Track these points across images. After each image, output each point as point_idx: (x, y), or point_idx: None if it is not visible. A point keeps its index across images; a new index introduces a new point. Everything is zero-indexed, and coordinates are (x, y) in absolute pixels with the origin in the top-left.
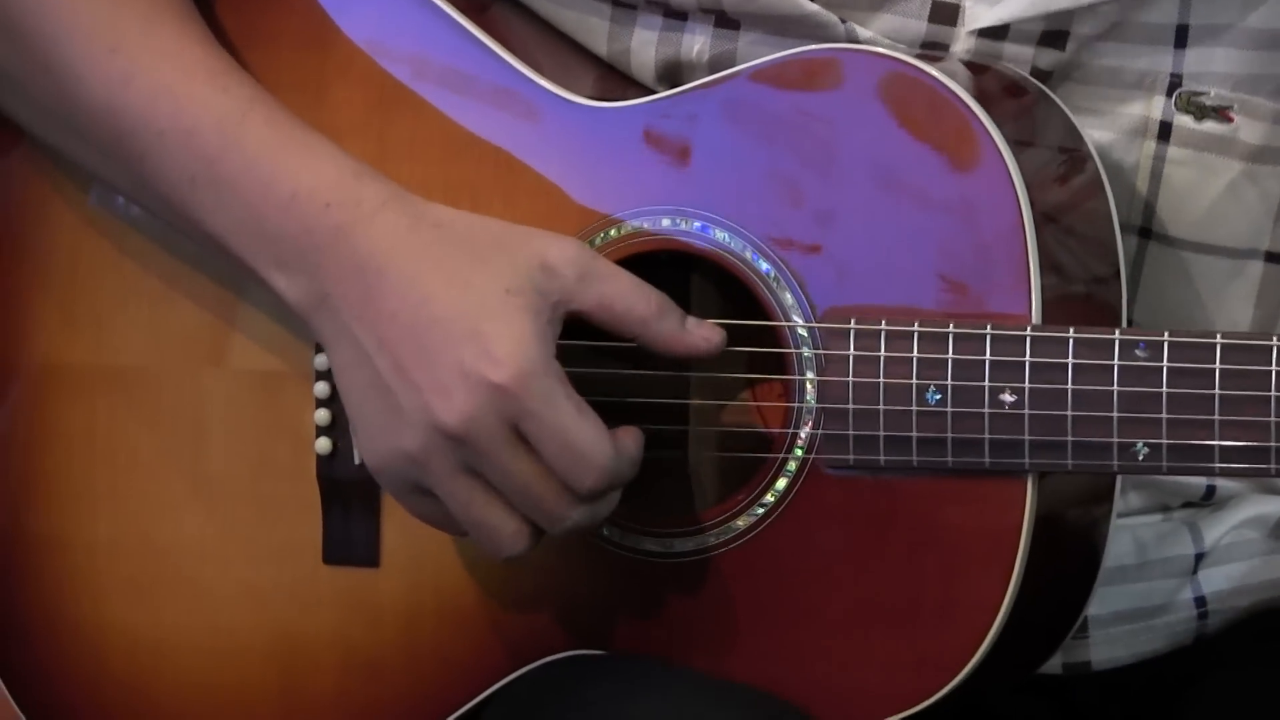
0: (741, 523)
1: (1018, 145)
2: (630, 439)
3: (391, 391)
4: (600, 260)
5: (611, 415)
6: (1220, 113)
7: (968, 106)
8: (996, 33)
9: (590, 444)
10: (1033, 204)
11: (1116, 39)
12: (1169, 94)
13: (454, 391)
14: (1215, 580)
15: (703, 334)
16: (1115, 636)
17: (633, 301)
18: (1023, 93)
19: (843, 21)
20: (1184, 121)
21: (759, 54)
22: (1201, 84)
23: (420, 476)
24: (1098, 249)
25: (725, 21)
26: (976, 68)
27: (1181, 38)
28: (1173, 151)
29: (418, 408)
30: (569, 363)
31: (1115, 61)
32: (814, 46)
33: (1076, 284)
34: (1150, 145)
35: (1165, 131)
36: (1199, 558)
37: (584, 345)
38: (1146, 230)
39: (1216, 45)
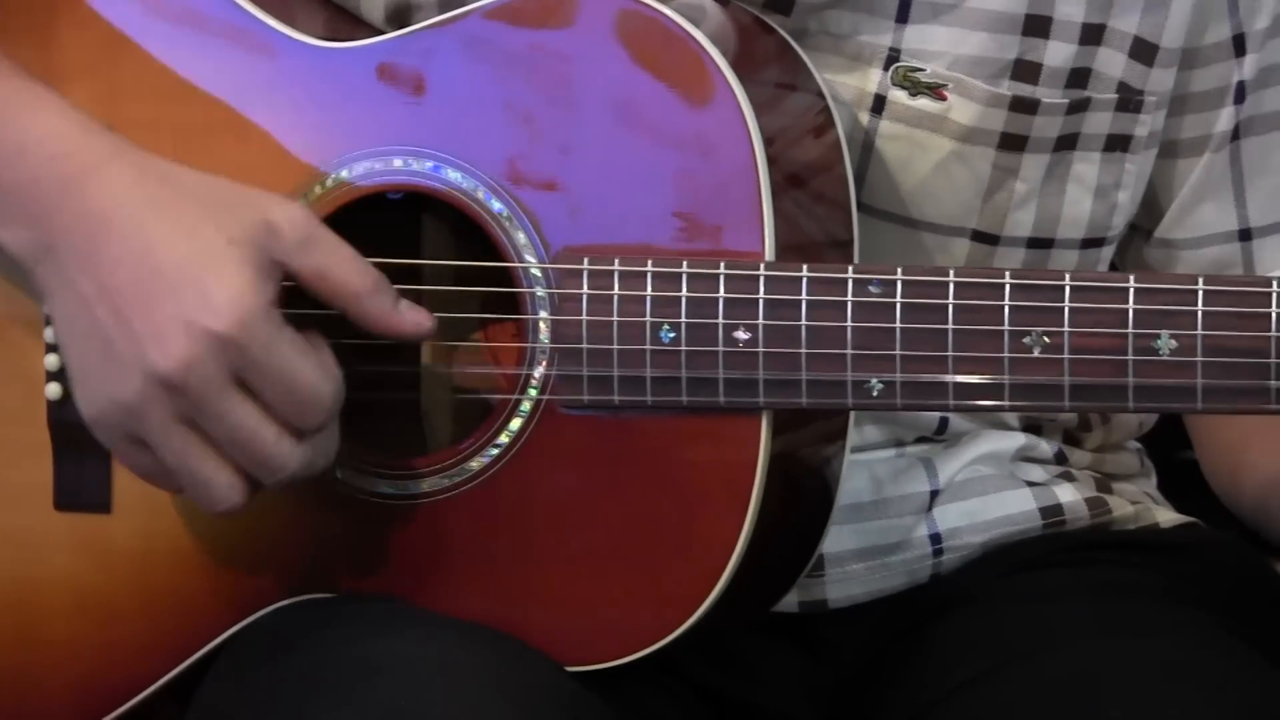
0: (476, 464)
1: (756, 85)
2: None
3: (110, 340)
4: (324, 230)
5: (343, 356)
6: (934, 90)
7: (701, 45)
8: None
9: (315, 380)
10: (768, 148)
11: (840, 7)
12: (886, 68)
13: (172, 339)
14: (950, 517)
15: (413, 318)
16: (851, 574)
17: (348, 276)
18: (771, 31)
19: None
20: (898, 96)
21: None
22: (920, 60)
23: (136, 427)
24: (834, 208)
25: None
26: (723, 1)
27: (904, 12)
28: (884, 125)
29: (135, 356)
30: (301, 303)
31: (837, 29)
32: None
33: (814, 238)
34: (864, 117)
35: (879, 105)
36: (934, 495)
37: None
38: (856, 202)
39: (937, 23)
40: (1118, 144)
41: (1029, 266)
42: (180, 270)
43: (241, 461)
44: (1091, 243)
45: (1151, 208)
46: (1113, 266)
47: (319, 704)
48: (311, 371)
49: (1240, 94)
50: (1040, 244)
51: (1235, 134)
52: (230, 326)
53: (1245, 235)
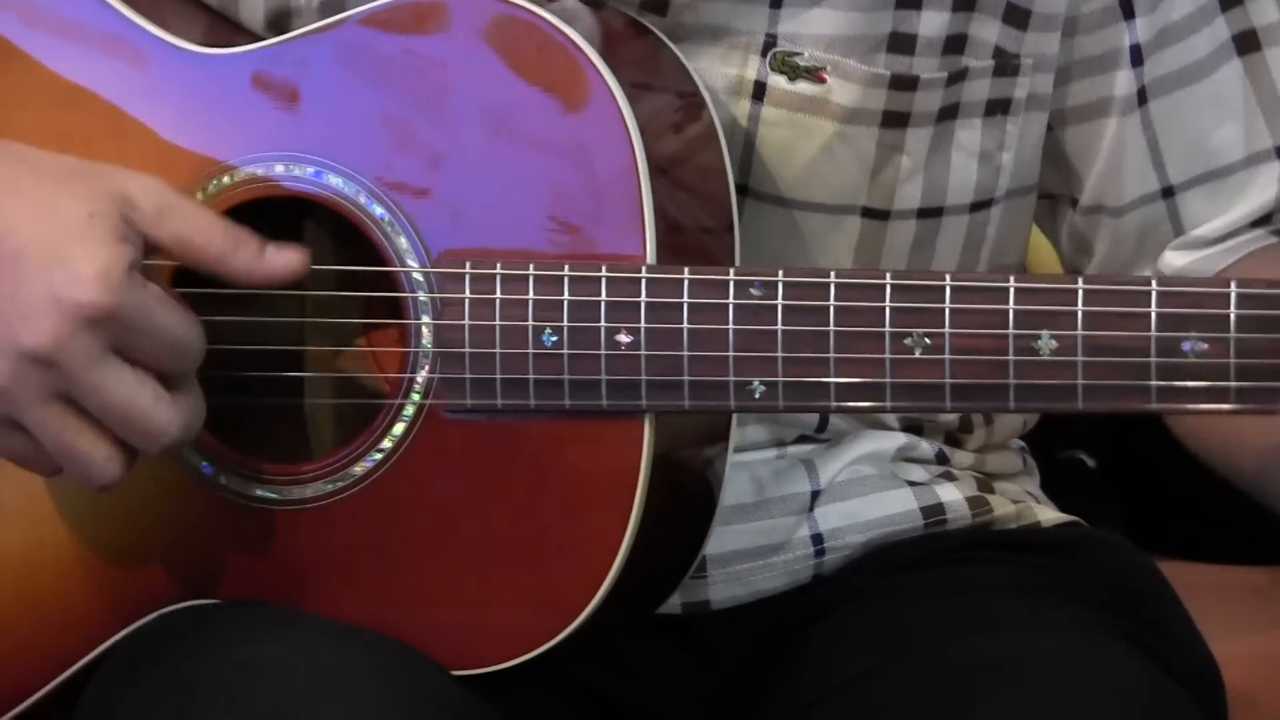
0: (359, 469)
1: (632, 86)
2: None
3: None
4: (179, 197)
5: (226, 362)
6: (813, 74)
7: (579, 48)
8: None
9: (185, 328)
10: (647, 147)
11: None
12: (764, 54)
13: (41, 316)
14: (831, 517)
15: (282, 259)
16: (734, 575)
17: (208, 237)
18: (644, 32)
19: None
20: (778, 82)
21: None
22: (797, 45)
23: (9, 409)
24: (712, 199)
25: None
26: (594, 3)
27: None
28: (766, 111)
29: (5, 339)
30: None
31: (713, 21)
32: None
33: (693, 231)
34: (745, 105)
35: (760, 91)
36: (815, 495)
37: (199, 293)
38: (743, 188)
39: (811, 6)
40: (998, 108)
41: (921, 237)
42: (44, 248)
43: (120, 431)
44: (980, 205)
45: (1071, 176)
46: (1059, 266)
47: (200, 708)
48: (180, 322)
49: (1137, 56)
50: (930, 213)
51: (1143, 97)
52: (100, 297)
53: (1168, 193)
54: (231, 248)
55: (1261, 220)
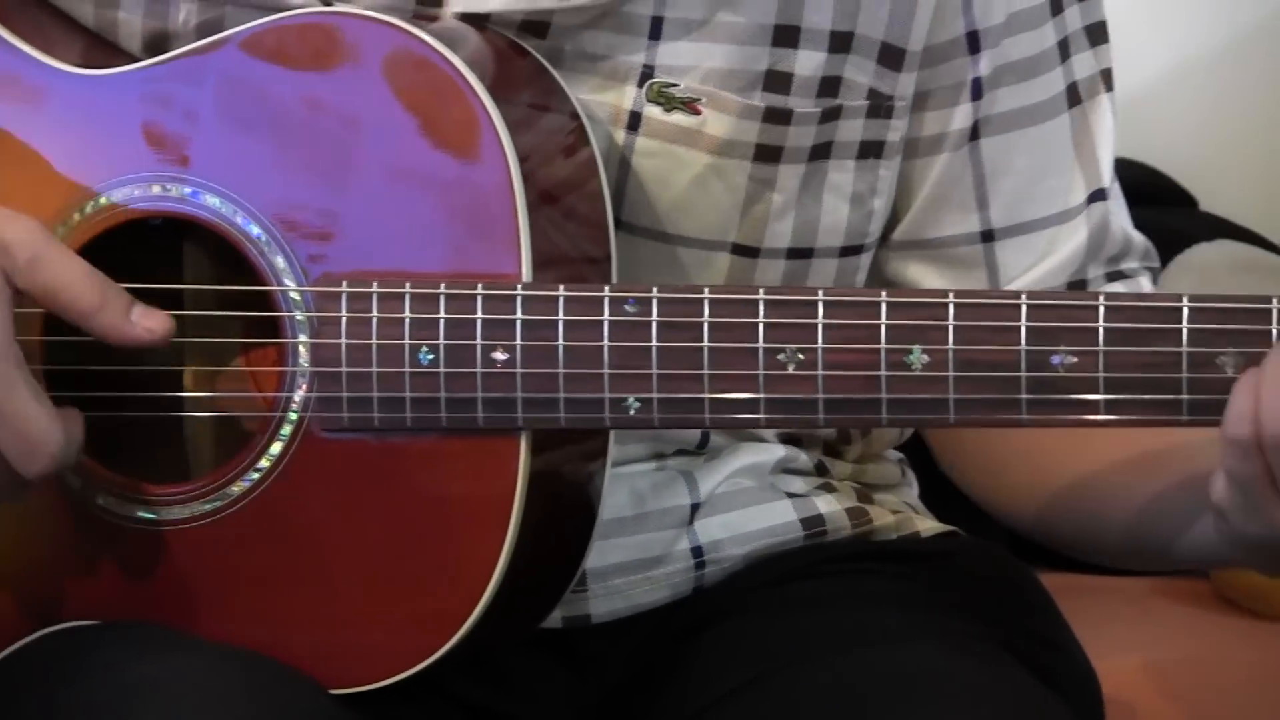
0: (237, 488)
1: (512, 107)
2: (74, 423)
3: None
4: (55, 246)
5: (104, 382)
6: (689, 105)
7: (459, 71)
8: (478, 18)
9: (43, 433)
10: (525, 168)
11: (595, 28)
12: (640, 84)
13: None
14: (712, 530)
15: (146, 325)
16: (614, 589)
17: (77, 293)
18: (526, 55)
19: (327, 1)
20: (653, 112)
21: (248, 19)
22: (674, 76)
23: None
24: (590, 226)
25: None
26: (478, 26)
27: (656, 30)
28: (641, 142)
29: None
30: (62, 329)
31: (593, 50)
32: (308, 10)
33: (571, 257)
34: (620, 135)
35: (635, 122)
36: (695, 508)
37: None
38: (616, 219)
39: (689, 39)
40: (871, 150)
41: (790, 277)
42: None
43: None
44: (850, 250)
45: (892, 212)
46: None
47: None
48: (43, 418)
49: (977, 91)
50: (800, 254)
51: (976, 132)
52: None
53: (988, 237)
54: (99, 305)
55: (1078, 287)
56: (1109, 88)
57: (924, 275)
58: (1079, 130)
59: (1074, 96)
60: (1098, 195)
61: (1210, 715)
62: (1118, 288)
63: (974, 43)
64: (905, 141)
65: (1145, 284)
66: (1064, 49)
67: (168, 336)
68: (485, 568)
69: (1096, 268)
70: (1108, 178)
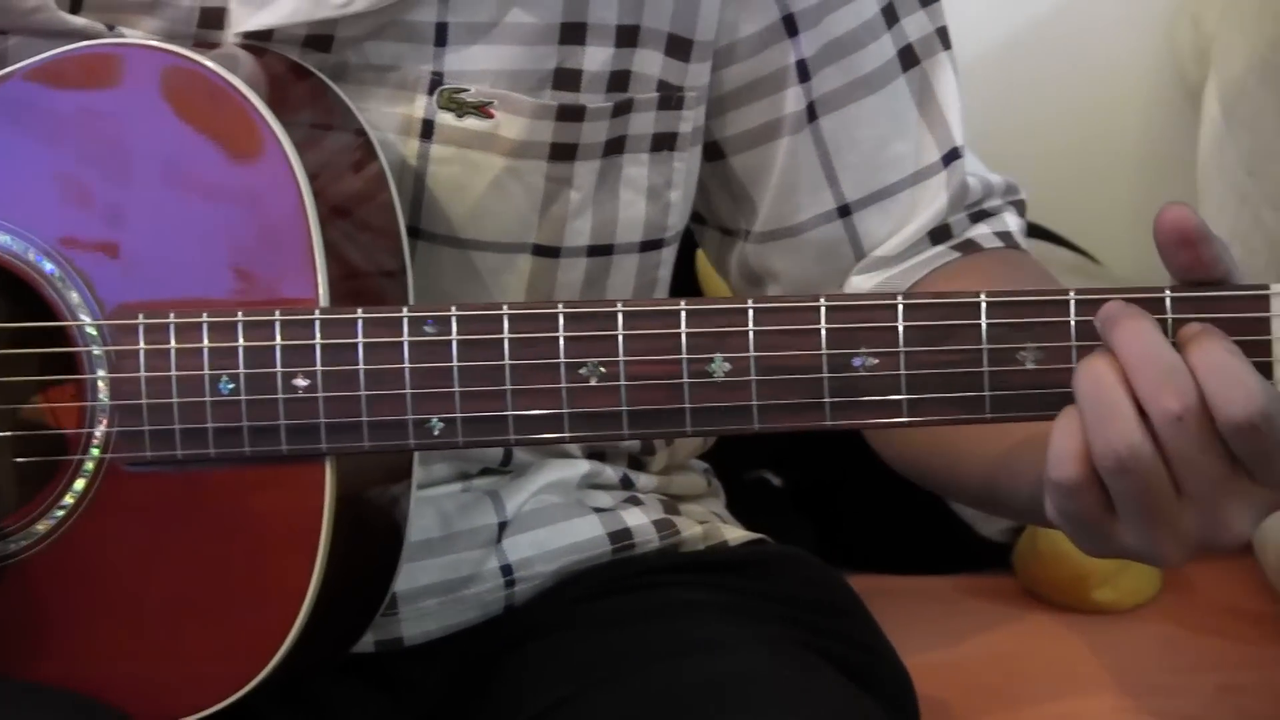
0: (41, 526)
1: (298, 128)
2: None
3: None
4: None
5: None
6: (481, 109)
7: (244, 96)
8: (261, 36)
9: None
10: (316, 191)
11: (380, 38)
12: (431, 92)
13: None
14: (520, 547)
15: None
16: (425, 611)
17: None
18: (307, 75)
19: (111, 28)
20: (446, 119)
21: (31, 53)
22: (463, 81)
23: None
24: (384, 240)
25: None
26: (256, 50)
27: (442, 37)
28: (435, 150)
29: None
30: None
31: (379, 61)
32: (91, 42)
33: (367, 274)
34: (414, 144)
35: (428, 130)
36: (502, 526)
37: None
38: (415, 229)
39: (476, 44)
40: (664, 143)
41: (592, 275)
42: None
43: None
44: (650, 245)
45: (745, 205)
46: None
47: None
48: None
49: (804, 72)
50: (601, 251)
51: (812, 113)
52: None
53: (845, 211)
54: None
55: (941, 234)
56: (946, 45)
57: (787, 263)
58: (921, 91)
59: (909, 59)
60: (953, 155)
61: (1020, 706)
62: (983, 228)
63: (791, 25)
64: (730, 138)
65: (1010, 220)
66: (890, 14)
67: None
68: (296, 595)
69: (958, 214)
70: (959, 136)
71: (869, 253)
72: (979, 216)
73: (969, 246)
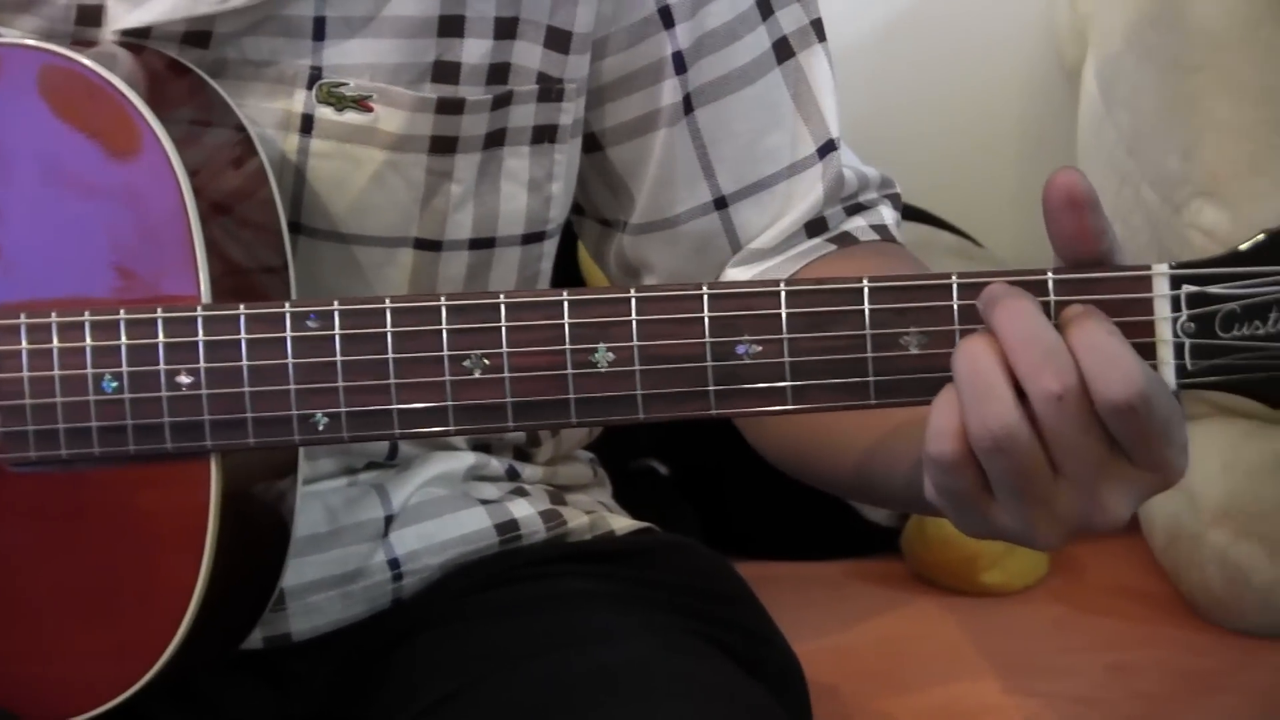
0: None
1: (178, 125)
2: None
3: None
4: None
5: None
6: (360, 103)
7: (123, 94)
8: (139, 34)
9: None
10: (196, 187)
11: (258, 34)
12: (310, 86)
13: None
14: (407, 541)
15: None
16: (313, 606)
17: None
18: (186, 72)
19: None
20: (325, 113)
21: None
22: (342, 75)
23: None
24: (265, 235)
25: None
26: (135, 48)
27: (320, 31)
28: (315, 144)
29: None
30: None
31: (258, 56)
32: None
33: (248, 270)
34: (294, 139)
35: (308, 124)
36: (389, 520)
37: None
38: (296, 224)
39: (355, 37)
40: (545, 135)
41: (474, 269)
42: None
43: None
44: (532, 238)
45: (623, 196)
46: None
47: None
48: None
49: (680, 64)
50: (482, 244)
51: (689, 105)
52: None
53: (721, 204)
54: None
55: (817, 227)
56: (821, 38)
57: (664, 255)
58: (796, 84)
59: (784, 51)
60: (829, 147)
61: (910, 690)
62: (859, 220)
63: (667, 18)
64: (606, 130)
65: (886, 214)
66: (764, 7)
67: None
68: (183, 593)
69: (834, 207)
70: (835, 128)
71: (745, 245)
72: (855, 210)
73: (845, 239)
